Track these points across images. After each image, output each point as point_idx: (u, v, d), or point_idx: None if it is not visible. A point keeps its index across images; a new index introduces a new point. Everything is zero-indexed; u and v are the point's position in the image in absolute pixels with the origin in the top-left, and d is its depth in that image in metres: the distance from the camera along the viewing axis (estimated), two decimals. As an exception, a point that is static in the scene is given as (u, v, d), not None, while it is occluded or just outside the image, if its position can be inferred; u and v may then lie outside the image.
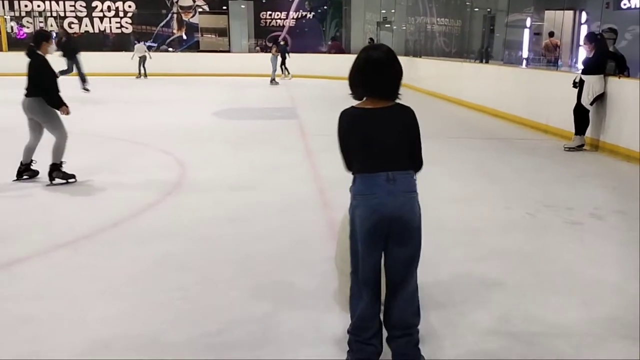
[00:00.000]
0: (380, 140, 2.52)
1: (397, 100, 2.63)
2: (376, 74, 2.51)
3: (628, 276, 3.91)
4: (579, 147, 8.20)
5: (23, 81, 6.14)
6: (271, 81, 19.47)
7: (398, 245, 2.55)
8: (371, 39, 21.68)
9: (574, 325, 3.21)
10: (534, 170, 7.17)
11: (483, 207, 5.51)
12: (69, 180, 6.19)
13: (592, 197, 5.88)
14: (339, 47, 25.37)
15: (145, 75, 21.57)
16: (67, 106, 6.12)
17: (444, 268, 3.99)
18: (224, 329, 3.13)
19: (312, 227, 4.80)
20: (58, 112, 6.13)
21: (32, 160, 6.33)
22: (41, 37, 6.33)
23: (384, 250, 2.57)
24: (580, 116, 8.17)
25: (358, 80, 2.56)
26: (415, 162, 2.65)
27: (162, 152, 7.88)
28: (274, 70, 19.53)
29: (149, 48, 25.99)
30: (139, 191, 5.93)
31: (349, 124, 2.55)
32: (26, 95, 6.12)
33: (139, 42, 22.23)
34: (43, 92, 5.99)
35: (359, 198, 2.52)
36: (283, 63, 20.80)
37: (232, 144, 8.72)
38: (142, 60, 21.55)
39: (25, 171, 6.32)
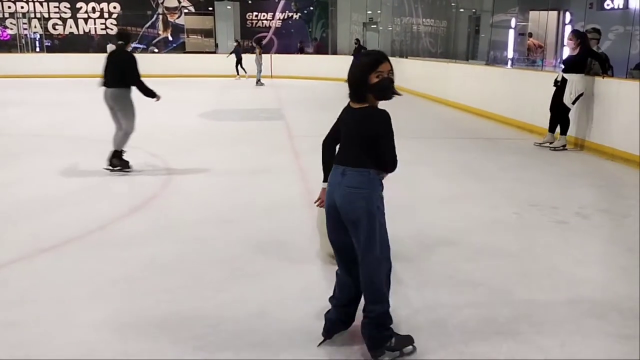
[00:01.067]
0: (347, 137, 2.82)
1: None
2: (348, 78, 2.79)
3: (613, 274, 3.95)
4: (563, 147, 8.25)
5: (6, 83, 6.07)
6: (257, 82, 19.45)
7: (342, 230, 2.82)
8: (357, 39, 21.71)
9: (561, 324, 3.23)
10: (520, 169, 7.22)
11: (469, 206, 5.53)
12: (126, 170, 6.61)
13: (577, 196, 5.94)
14: (318, 48, 25.52)
15: None
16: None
17: (430, 268, 4.01)
18: (212, 331, 3.11)
19: (300, 228, 4.80)
20: (134, 105, 6.71)
21: (122, 150, 6.81)
22: (128, 36, 7.29)
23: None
24: (561, 115, 8.22)
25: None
26: (379, 162, 2.74)
27: (148, 154, 7.83)
28: (259, 72, 19.50)
29: (134, 50, 25.93)
30: (124, 193, 5.90)
31: (340, 116, 2.91)
32: (109, 86, 6.63)
33: (110, 43, 22.32)
34: (138, 84, 6.59)
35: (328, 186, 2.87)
36: (239, 63, 21.18)
37: (218, 145, 8.69)
38: None
39: (117, 157, 6.79)
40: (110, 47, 21.58)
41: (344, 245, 2.86)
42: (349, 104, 2.82)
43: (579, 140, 8.42)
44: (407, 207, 5.43)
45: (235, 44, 22.21)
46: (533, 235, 4.75)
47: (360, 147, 2.73)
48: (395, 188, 5.87)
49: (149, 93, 6.71)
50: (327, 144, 3.01)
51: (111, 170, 6.60)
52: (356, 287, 2.91)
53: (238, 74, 21.31)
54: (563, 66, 8.37)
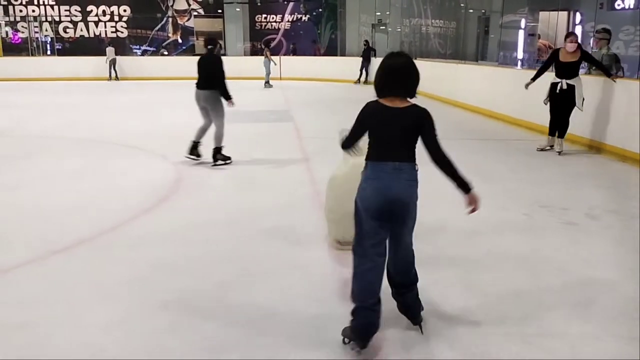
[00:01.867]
0: (389, 134, 2.91)
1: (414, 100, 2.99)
2: (394, 79, 2.95)
3: (623, 276, 3.92)
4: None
5: (17, 86, 6.14)
6: (265, 84, 19.48)
7: (397, 224, 3.00)
8: (366, 41, 21.70)
9: (570, 325, 3.22)
10: (530, 170, 7.19)
11: (479, 208, 5.50)
12: (227, 162, 7.19)
13: (586, 197, 5.90)
14: (316, 52, 25.60)
15: (117, 78, 22.29)
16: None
17: (441, 269, 4.00)
18: (221, 332, 3.12)
19: (308, 229, 4.80)
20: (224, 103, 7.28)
21: (199, 142, 7.45)
22: (215, 41, 8.02)
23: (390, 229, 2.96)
24: (565, 120, 7.96)
25: (382, 83, 2.97)
26: (434, 154, 3.01)
27: (158, 155, 7.88)
28: (268, 73, 19.53)
29: (144, 52, 26.13)
30: (133, 195, 5.92)
31: (366, 112, 2.97)
32: (201, 88, 7.26)
33: (109, 46, 22.55)
34: (220, 86, 7.11)
35: (367, 181, 2.93)
36: None
37: (227, 146, 8.70)
38: (112, 63, 22.14)
39: (195, 148, 7.41)
40: (109, 50, 21.95)
41: (382, 240, 2.97)
42: (379, 102, 2.95)
43: (588, 141, 8.36)
44: (418, 208, 5.41)
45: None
46: (543, 236, 4.73)
47: (407, 142, 2.94)
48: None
49: (227, 96, 7.21)
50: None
51: (215, 165, 7.25)
52: (380, 281, 2.97)
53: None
54: (558, 72, 7.93)
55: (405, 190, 2.95)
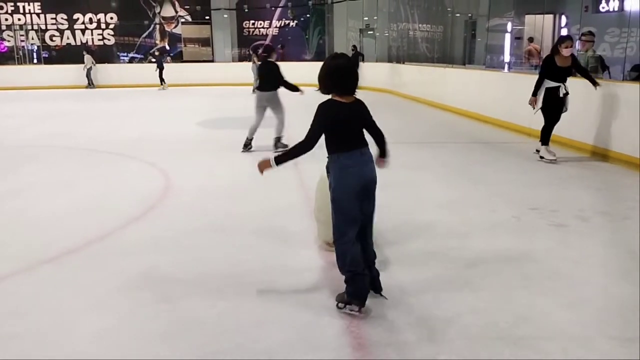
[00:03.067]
0: (352, 126, 3.40)
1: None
2: (344, 78, 3.36)
3: (614, 277, 3.94)
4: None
5: (4, 95, 6.12)
6: (253, 90, 19.41)
7: (368, 200, 3.45)
8: (354, 46, 21.75)
9: (562, 327, 3.22)
10: (518, 173, 7.22)
11: (469, 210, 5.53)
12: (286, 149, 7.71)
13: (576, 199, 5.93)
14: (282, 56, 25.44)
15: (93, 85, 22.51)
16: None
17: (431, 272, 4.00)
18: (212, 340, 3.10)
19: (298, 235, 4.79)
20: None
21: (252, 138, 8.69)
22: (271, 49, 9.28)
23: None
24: (553, 125, 7.79)
25: (330, 82, 3.37)
26: (379, 136, 3.60)
27: (146, 163, 7.83)
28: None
29: (132, 60, 26.07)
30: (123, 203, 5.88)
31: (328, 112, 3.36)
32: (265, 90, 8.56)
33: (87, 53, 22.58)
34: (285, 84, 8.37)
35: (345, 170, 3.35)
36: (160, 74, 21.57)
37: (216, 153, 8.69)
38: (89, 70, 22.31)
39: (249, 144, 8.66)
40: (87, 58, 22.00)
41: (359, 222, 3.42)
42: (334, 100, 3.37)
43: (582, 145, 8.40)
44: (407, 212, 5.43)
45: (157, 52, 22.35)
46: (533, 238, 4.74)
47: (361, 131, 3.43)
48: (394, 193, 5.89)
49: (294, 89, 8.33)
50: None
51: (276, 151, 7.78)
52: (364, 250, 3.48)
53: (162, 84, 21.62)
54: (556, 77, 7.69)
55: (373, 169, 3.45)
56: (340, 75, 3.34)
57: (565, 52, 7.47)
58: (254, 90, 19.28)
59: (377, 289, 3.58)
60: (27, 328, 3.28)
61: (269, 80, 8.49)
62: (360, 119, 3.44)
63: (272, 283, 3.87)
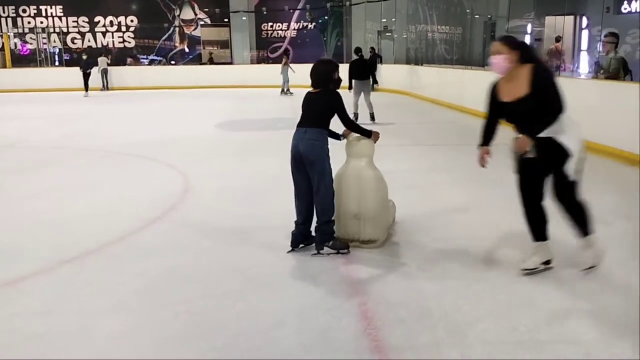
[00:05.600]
0: (306, 110, 4.42)
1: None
2: (311, 74, 4.45)
3: (636, 283, 3.88)
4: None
5: (27, 97, 6.20)
6: (281, 92, 19.49)
7: (308, 170, 4.25)
8: (372, 48, 21.69)
9: (584, 333, 3.18)
10: (539, 176, 7.13)
11: (488, 214, 5.49)
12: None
13: (597, 203, 5.84)
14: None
15: (107, 88, 22.38)
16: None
17: (449, 277, 3.98)
18: (231, 342, 3.12)
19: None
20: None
21: (357, 113, 11.48)
22: (360, 49, 11.92)
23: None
24: None
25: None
26: (345, 122, 4.44)
27: (166, 164, 7.90)
28: (286, 81, 19.52)
29: (152, 62, 26.33)
30: (143, 204, 5.94)
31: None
32: (362, 79, 11.75)
33: (101, 56, 22.73)
34: (373, 75, 10.98)
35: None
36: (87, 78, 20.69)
37: (235, 155, 8.73)
38: (104, 73, 22.21)
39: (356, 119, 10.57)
40: (101, 60, 22.18)
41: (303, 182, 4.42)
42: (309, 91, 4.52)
43: (602, 147, 8.29)
44: (425, 215, 5.41)
45: (85, 57, 21.51)
46: (554, 242, 4.68)
47: (317, 114, 4.33)
48: (412, 196, 5.87)
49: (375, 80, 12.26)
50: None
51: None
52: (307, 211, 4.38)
53: (87, 90, 20.63)
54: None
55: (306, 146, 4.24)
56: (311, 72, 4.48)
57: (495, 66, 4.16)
58: (282, 92, 19.36)
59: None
60: (48, 328, 3.32)
61: (362, 72, 11.98)
62: (316, 105, 4.41)
63: (292, 285, 3.88)
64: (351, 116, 12.80)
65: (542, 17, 16.69)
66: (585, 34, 16.08)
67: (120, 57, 25.77)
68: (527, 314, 3.40)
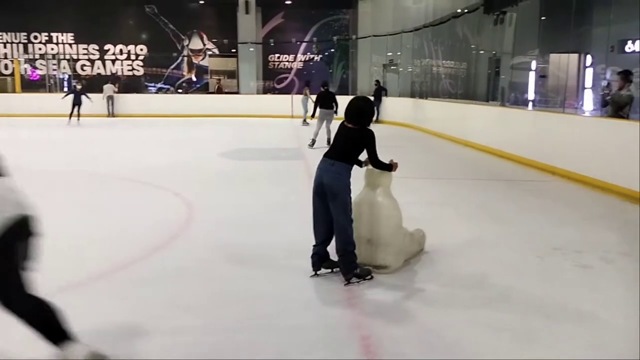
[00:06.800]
0: (338, 142, 4.59)
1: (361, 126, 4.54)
2: (348, 110, 4.59)
3: (638, 321, 3.85)
4: None
5: (36, 121, 6.24)
6: (303, 122, 19.67)
7: (330, 200, 4.41)
8: (377, 81, 21.95)
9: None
10: (542, 211, 7.15)
11: (491, 249, 5.48)
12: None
13: (600, 240, 5.85)
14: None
15: (114, 115, 22.45)
16: None
17: (452, 312, 3.96)
18: (231, 373, 3.09)
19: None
20: None
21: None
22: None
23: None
24: None
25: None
26: (372, 160, 4.61)
27: (170, 192, 7.92)
28: (306, 112, 19.72)
29: (159, 90, 26.61)
30: (146, 231, 5.94)
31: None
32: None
33: (107, 83, 22.96)
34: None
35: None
36: (76, 107, 19.35)
37: (240, 184, 8.76)
38: (110, 99, 22.39)
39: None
40: (107, 87, 22.17)
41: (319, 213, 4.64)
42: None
43: (603, 184, 8.32)
44: (429, 248, 5.39)
45: (79, 87, 20.42)
46: (556, 279, 4.67)
47: (343, 148, 4.51)
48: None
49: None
50: None
51: None
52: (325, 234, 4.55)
53: (70, 118, 19.26)
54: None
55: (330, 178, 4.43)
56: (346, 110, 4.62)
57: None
58: (304, 122, 19.52)
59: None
60: (45, 353, 3.29)
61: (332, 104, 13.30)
62: (346, 139, 4.56)
63: (293, 317, 3.86)
64: (309, 142, 13.09)
65: (547, 54, 16.86)
66: (589, 72, 16.20)
67: (129, 84, 26.02)
68: (529, 352, 3.37)
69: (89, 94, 20.33)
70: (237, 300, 4.13)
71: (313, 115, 14.17)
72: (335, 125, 4.66)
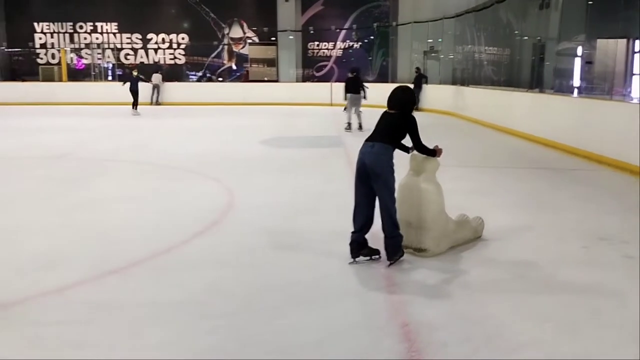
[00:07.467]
0: (378, 126, 4.65)
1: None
2: (390, 99, 4.68)
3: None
4: None
5: (80, 109, 6.40)
6: (345, 109, 19.36)
7: (373, 182, 4.43)
8: (418, 68, 21.66)
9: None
10: (587, 201, 6.97)
11: (536, 239, 5.37)
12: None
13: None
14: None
15: (158, 103, 22.85)
16: None
17: (495, 300, 3.90)
18: (269, 358, 3.11)
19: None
20: None
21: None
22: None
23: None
24: None
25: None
26: (416, 144, 4.68)
27: (212, 179, 8.02)
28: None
29: (201, 78, 26.91)
30: (187, 218, 6.03)
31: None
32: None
33: (157, 73, 23.34)
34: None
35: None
36: (136, 95, 19.42)
37: (279, 172, 8.80)
38: (157, 88, 22.79)
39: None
40: (155, 77, 22.47)
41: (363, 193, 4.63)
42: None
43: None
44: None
45: (135, 73, 20.08)
46: (603, 270, 4.55)
47: (385, 131, 4.56)
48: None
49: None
50: None
51: None
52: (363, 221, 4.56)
53: (135, 107, 19.31)
54: None
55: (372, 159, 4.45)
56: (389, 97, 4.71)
57: None
58: (346, 109, 19.27)
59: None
60: (91, 337, 3.38)
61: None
62: (386, 123, 4.66)
63: (333, 303, 3.86)
64: (345, 125, 13.42)
65: (594, 39, 16.34)
66: (637, 57, 15.64)
67: (171, 73, 26.39)
68: (573, 343, 3.29)
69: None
70: (277, 286, 4.15)
71: (345, 99, 14.42)
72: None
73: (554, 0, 16.28)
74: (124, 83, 19.83)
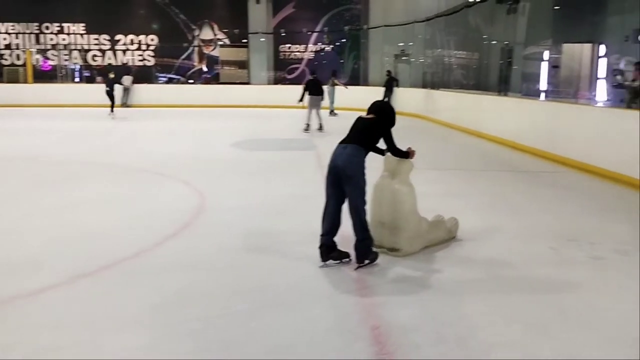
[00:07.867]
0: (352, 129, 4.72)
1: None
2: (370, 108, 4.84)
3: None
4: None
5: (47, 112, 6.28)
6: (330, 112, 19.41)
7: (344, 184, 4.44)
8: (389, 71, 21.81)
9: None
10: (556, 203, 7.11)
11: (505, 241, 5.45)
12: None
13: (614, 231, 5.80)
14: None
15: (128, 105, 22.76)
16: None
17: (466, 302, 3.95)
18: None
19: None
20: None
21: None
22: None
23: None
24: None
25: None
26: (389, 147, 4.78)
27: (182, 182, 7.95)
28: (332, 102, 19.54)
29: (170, 80, 26.65)
30: (158, 221, 5.97)
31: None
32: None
33: (127, 74, 23.24)
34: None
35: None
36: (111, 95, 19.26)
37: (250, 174, 8.77)
38: (127, 90, 22.83)
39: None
40: (126, 79, 22.42)
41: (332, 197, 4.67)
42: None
43: (618, 175, 8.25)
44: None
45: (112, 75, 20.10)
46: (571, 271, 4.64)
47: (359, 134, 4.64)
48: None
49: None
50: None
51: None
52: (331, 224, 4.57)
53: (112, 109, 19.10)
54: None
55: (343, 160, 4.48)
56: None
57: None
58: (331, 112, 19.31)
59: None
60: (61, 341, 3.33)
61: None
62: (362, 126, 4.72)
63: (305, 306, 3.86)
64: (303, 127, 13.42)
65: (560, 44, 16.69)
66: (602, 62, 16.03)
67: (140, 75, 26.06)
68: (543, 344, 3.35)
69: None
70: (249, 289, 4.14)
71: (301, 100, 14.80)
72: (354, 118, 4.88)
73: (522, 5, 16.58)
74: (107, 87, 19.41)
